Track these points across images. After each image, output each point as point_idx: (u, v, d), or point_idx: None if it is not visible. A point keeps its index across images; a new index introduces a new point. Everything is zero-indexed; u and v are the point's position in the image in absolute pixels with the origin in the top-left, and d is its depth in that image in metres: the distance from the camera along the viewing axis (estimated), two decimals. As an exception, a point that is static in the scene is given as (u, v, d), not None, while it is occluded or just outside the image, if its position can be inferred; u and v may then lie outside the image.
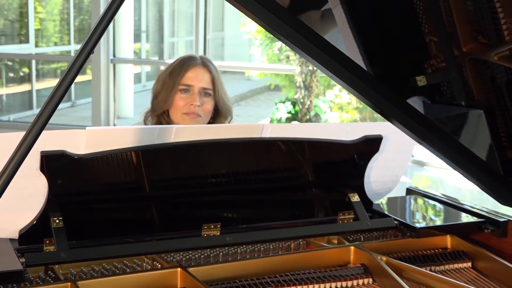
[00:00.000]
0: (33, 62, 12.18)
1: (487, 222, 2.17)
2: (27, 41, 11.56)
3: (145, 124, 2.84)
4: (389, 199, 2.42)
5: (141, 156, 1.93)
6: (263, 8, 1.64)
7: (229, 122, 2.87)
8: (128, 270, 1.85)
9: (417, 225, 2.17)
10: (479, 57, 1.85)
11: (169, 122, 2.80)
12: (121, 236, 1.93)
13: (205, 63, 2.80)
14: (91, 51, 1.55)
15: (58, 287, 1.68)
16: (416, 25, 1.89)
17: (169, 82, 2.77)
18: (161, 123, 2.80)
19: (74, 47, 12.67)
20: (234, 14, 16.29)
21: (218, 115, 2.83)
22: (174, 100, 2.76)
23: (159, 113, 2.80)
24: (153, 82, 2.88)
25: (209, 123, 2.81)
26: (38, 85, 12.11)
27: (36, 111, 11.34)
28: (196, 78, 2.76)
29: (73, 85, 12.23)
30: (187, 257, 1.94)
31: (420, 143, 1.94)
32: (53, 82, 11.86)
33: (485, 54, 1.83)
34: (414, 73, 1.92)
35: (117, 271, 1.84)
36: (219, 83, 2.80)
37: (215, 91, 2.78)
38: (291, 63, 8.67)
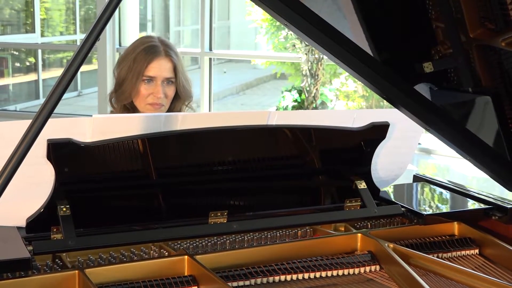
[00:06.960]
0: (39, 51, 12.20)
1: (494, 209, 2.17)
2: (33, 30, 11.56)
3: (111, 104, 2.85)
4: (396, 186, 2.42)
5: (147, 144, 1.93)
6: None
7: (188, 105, 2.88)
8: (135, 257, 1.86)
9: (424, 212, 2.16)
10: (486, 43, 1.84)
11: (135, 109, 2.81)
12: (128, 224, 1.94)
13: (167, 52, 2.78)
14: (97, 38, 1.54)
15: (66, 275, 1.68)
16: (423, 11, 1.88)
17: (134, 68, 2.75)
18: (127, 109, 2.81)
19: (80, 37, 12.68)
20: (240, 3, 16.27)
21: (177, 99, 2.84)
22: (139, 90, 2.76)
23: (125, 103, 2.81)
24: None
25: (169, 107, 2.83)
26: (44, 75, 12.14)
27: (42, 100, 11.35)
28: (159, 70, 2.75)
29: (79, 75, 12.26)
30: (194, 244, 1.94)
31: (427, 130, 1.94)
32: (59, 72, 11.87)
33: (492, 40, 1.81)
34: (421, 60, 1.91)
35: (124, 259, 1.84)
36: (180, 68, 2.81)
37: (176, 78, 2.79)
38: (297, 51, 8.63)
